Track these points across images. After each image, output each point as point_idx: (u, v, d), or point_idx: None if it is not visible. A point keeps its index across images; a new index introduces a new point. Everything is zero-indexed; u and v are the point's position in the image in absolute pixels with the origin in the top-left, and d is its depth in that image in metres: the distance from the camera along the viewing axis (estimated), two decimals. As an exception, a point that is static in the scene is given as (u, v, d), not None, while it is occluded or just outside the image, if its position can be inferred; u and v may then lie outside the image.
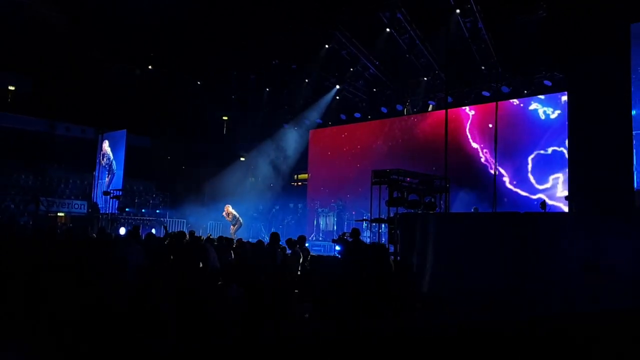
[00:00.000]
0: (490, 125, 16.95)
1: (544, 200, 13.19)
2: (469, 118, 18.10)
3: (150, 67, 20.79)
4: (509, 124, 16.73)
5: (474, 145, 17.83)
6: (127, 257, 8.21)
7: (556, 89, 16.02)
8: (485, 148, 17.48)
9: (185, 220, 20.64)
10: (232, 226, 18.52)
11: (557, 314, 6.30)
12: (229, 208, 18.57)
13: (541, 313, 6.33)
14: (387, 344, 6.73)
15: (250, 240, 13.94)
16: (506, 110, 16.98)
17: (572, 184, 14.03)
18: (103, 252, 8.78)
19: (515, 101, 17.00)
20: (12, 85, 21.83)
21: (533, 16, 14.49)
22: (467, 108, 18.16)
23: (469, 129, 17.99)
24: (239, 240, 12.37)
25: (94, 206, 21.79)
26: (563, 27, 13.93)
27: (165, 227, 16.14)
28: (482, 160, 17.50)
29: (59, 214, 21.26)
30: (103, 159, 23.76)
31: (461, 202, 16.18)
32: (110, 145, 23.87)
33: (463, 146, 17.79)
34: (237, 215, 18.62)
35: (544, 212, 11.99)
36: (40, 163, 22.60)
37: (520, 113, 16.91)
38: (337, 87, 20.60)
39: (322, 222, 19.72)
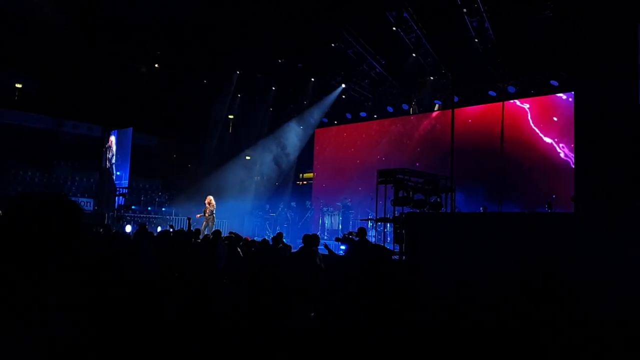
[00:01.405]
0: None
1: (551, 200, 13.17)
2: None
3: (156, 65, 20.87)
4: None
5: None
6: (140, 254, 8.26)
7: (563, 88, 15.98)
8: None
9: (191, 217, 20.71)
10: (205, 221, 17.22)
11: (563, 316, 6.30)
12: (212, 200, 17.57)
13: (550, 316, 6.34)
14: (391, 343, 6.75)
15: (256, 239, 13.94)
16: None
17: (578, 185, 14.03)
18: (115, 249, 8.83)
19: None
20: (19, 83, 21.92)
21: (540, 16, 14.48)
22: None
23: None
24: (246, 238, 12.32)
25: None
26: (570, 26, 13.92)
27: (171, 226, 16.11)
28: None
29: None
30: (109, 162, 23.84)
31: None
32: (116, 145, 23.97)
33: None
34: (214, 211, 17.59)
35: (550, 213, 11.98)
36: (47, 160, 22.72)
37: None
38: (343, 85, 20.60)
39: (327, 221, 19.75)
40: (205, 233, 15.12)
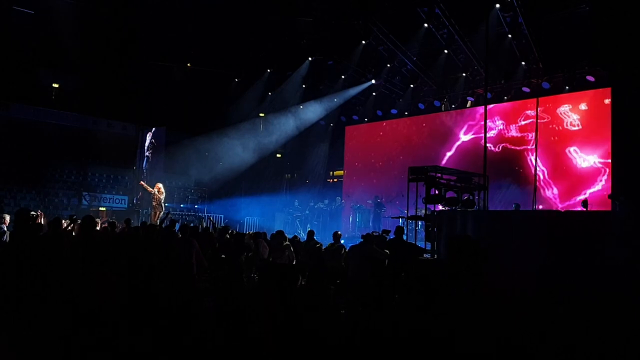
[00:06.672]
0: None
1: (586, 199, 12.90)
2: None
3: (189, 64, 21.13)
4: None
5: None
6: (182, 254, 8.37)
7: (599, 85, 15.62)
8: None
9: (222, 216, 20.95)
10: (154, 212, 16.02)
11: (598, 315, 6.19)
12: (162, 188, 16.29)
13: (582, 314, 6.24)
14: (422, 340, 6.73)
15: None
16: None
17: (615, 182, 13.73)
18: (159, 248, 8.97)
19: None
20: (57, 83, 22.42)
21: (575, 10, 14.18)
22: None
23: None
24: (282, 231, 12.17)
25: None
26: (606, 21, 13.61)
27: (213, 224, 15.85)
28: None
29: (100, 208, 21.77)
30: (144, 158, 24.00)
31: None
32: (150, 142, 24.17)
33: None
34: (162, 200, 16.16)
35: (586, 211, 11.74)
36: (82, 159, 23.18)
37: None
38: (373, 81, 20.52)
39: (357, 218, 19.69)
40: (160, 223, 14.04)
